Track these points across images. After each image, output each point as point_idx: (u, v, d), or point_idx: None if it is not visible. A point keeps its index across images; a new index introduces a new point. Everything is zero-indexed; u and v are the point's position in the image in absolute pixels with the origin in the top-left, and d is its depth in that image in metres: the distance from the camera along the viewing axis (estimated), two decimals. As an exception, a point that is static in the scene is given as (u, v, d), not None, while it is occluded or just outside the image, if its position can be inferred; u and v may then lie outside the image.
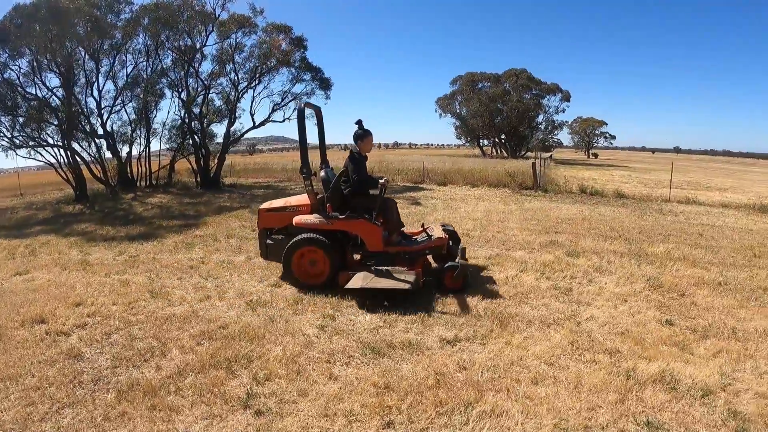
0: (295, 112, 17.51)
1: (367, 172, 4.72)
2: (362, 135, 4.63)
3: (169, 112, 18.96)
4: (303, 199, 4.71)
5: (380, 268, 4.31)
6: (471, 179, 14.29)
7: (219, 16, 15.25)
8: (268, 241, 4.80)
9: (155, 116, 16.12)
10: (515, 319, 3.82)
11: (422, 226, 5.12)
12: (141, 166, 15.89)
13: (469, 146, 59.97)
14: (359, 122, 4.71)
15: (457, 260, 4.40)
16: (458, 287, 4.36)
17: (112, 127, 15.15)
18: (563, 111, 49.05)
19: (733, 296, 4.51)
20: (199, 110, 15.87)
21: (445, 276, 4.37)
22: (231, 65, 16.28)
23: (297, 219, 4.54)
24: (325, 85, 17.49)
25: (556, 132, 52.60)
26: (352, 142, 4.73)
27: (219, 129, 25.09)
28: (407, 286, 3.98)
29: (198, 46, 15.54)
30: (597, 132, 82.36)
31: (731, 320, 3.90)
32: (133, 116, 15.57)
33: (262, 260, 5.22)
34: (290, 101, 17.20)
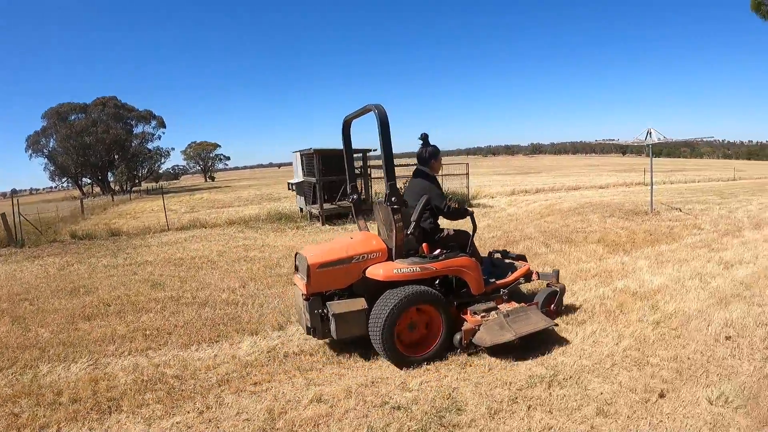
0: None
1: None
2: (436, 152, 3.87)
3: None
4: (368, 241, 3.63)
5: (502, 311, 3.62)
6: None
7: None
8: (332, 311, 3.33)
9: None
10: None
11: (489, 253, 4.61)
12: None
13: (66, 188, 50.91)
14: (425, 137, 3.85)
15: (553, 284, 4.18)
16: (555, 314, 4.10)
17: None
18: (159, 137, 48.75)
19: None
20: None
21: (545, 304, 4.06)
22: None
23: (382, 270, 3.40)
24: None
25: (162, 160, 51.45)
26: (419, 163, 3.90)
27: None
28: (551, 321, 3.62)
29: None
30: (212, 155, 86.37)
31: None
32: None
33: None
34: None
